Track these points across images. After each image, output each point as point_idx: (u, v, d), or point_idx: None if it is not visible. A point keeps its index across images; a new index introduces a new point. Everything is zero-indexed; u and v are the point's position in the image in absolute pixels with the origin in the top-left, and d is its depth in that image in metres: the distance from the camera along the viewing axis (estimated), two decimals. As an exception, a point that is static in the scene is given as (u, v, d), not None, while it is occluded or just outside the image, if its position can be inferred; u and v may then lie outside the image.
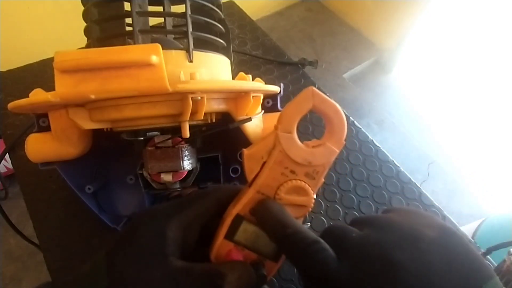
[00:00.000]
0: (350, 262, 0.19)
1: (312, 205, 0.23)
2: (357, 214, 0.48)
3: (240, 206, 0.23)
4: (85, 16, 0.32)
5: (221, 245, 0.23)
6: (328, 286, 0.19)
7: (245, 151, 0.23)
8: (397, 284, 0.18)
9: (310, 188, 0.23)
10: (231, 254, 0.23)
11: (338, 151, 0.23)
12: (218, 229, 0.24)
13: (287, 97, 0.61)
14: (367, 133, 0.57)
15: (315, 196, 0.23)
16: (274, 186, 0.23)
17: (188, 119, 0.29)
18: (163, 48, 0.26)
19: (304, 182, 0.23)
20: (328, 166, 0.23)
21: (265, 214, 0.22)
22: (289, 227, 0.21)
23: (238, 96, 0.33)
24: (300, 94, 0.22)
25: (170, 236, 0.21)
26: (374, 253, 0.19)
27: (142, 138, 0.34)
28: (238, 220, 0.23)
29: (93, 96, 0.25)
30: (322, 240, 0.20)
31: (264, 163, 0.23)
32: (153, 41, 0.29)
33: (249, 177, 0.23)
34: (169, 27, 0.43)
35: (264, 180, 0.23)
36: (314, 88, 0.22)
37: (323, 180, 0.24)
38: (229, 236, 0.23)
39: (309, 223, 0.46)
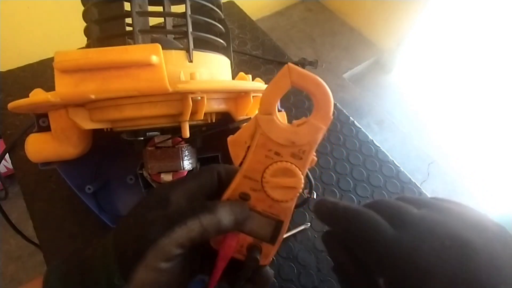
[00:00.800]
0: (412, 233, 0.20)
1: (302, 185, 0.22)
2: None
3: (229, 191, 0.23)
4: (85, 16, 0.32)
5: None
6: (382, 254, 0.20)
7: (229, 137, 0.23)
8: (469, 261, 0.18)
9: (297, 169, 0.22)
10: (226, 238, 0.23)
11: (324, 127, 0.22)
12: None
13: (287, 97, 0.61)
14: (367, 133, 0.57)
15: (304, 176, 0.23)
16: (260, 170, 0.22)
17: (188, 119, 0.29)
18: (163, 48, 0.26)
19: (291, 163, 0.22)
20: (315, 144, 0.22)
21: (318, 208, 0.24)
22: (339, 204, 0.22)
23: (238, 96, 0.33)
24: (278, 73, 0.21)
25: (174, 200, 0.21)
26: (441, 230, 0.19)
27: (142, 138, 0.34)
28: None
29: (93, 96, 0.25)
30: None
31: (249, 147, 0.23)
32: (153, 41, 0.29)
33: (236, 162, 0.23)
34: (169, 27, 0.43)
35: (250, 165, 0.22)
36: (291, 64, 0.21)
37: (314, 158, 0.23)
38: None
39: (309, 223, 0.46)
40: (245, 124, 0.23)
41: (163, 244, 0.19)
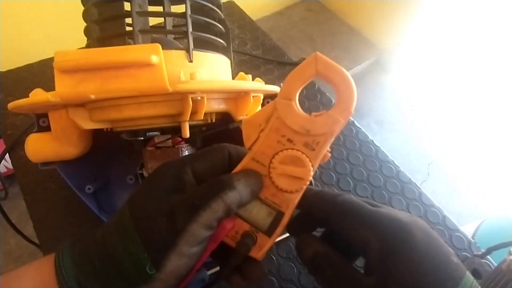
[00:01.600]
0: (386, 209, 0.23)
1: (310, 178, 0.22)
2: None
3: (236, 172, 0.22)
4: (85, 16, 0.32)
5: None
6: (370, 217, 0.22)
7: (244, 118, 0.23)
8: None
9: (307, 159, 0.21)
10: (222, 221, 0.22)
11: (343, 121, 0.21)
12: None
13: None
14: (367, 133, 0.57)
15: (314, 169, 0.22)
16: (270, 154, 0.22)
17: (188, 119, 0.29)
18: (163, 48, 0.26)
19: (302, 152, 0.21)
20: (331, 137, 0.21)
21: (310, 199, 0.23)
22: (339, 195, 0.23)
23: (238, 96, 0.33)
24: (304, 60, 0.21)
25: (187, 179, 0.21)
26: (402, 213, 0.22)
27: (142, 138, 0.34)
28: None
29: (93, 96, 0.25)
30: None
31: (262, 130, 0.22)
32: (153, 41, 0.29)
33: (247, 144, 0.23)
34: (169, 27, 0.43)
35: (260, 147, 0.22)
36: (319, 53, 0.21)
37: (327, 153, 0.22)
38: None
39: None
40: (262, 108, 0.23)
41: (192, 230, 0.19)
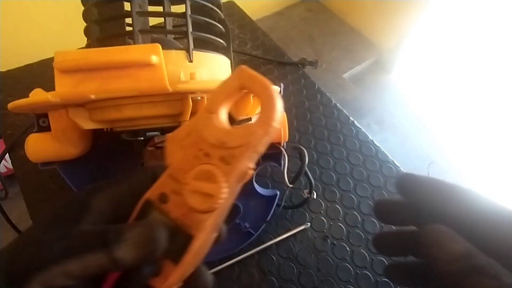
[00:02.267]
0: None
1: (222, 195, 0.19)
2: (357, 214, 0.47)
3: (151, 190, 0.20)
4: (85, 16, 0.32)
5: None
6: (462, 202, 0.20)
7: (168, 134, 0.21)
8: None
9: (220, 174, 0.19)
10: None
11: (261, 133, 0.19)
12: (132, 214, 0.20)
13: (287, 97, 0.61)
14: (367, 133, 0.57)
15: (230, 186, 0.19)
16: (186, 170, 0.19)
17: (188, 119, 0.29)
18: (163, 48, 0.26)
19: (217, 167, 0.19)
20: (248, 150, 0.19)
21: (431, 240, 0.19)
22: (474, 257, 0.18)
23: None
24: (230, 74, 0.20)
25: (93, 204, 0.18)
26: None
27: (142, 138, 0.34)
28: (147, 205, 0.20)
29: (93, 96, 0.25)
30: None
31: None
32: (153, 41, 0.29)
33: (167, 161, 0.20)
34: (169, 27, 0.43)
35: (177, 163, 0.20)
36: (244, 66, 0.20)
37: (249, 170, 0.20)
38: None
39: (309, 223, 0.46)
40: (185, 122, 0.21)
41: (51, 273, 0.16)
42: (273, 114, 0.19)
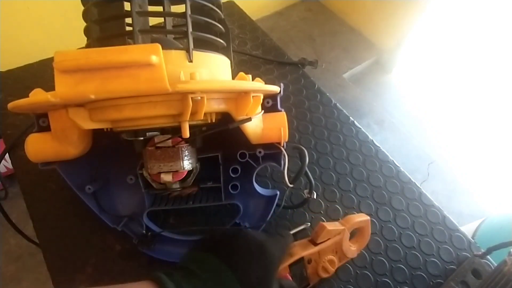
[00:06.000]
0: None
1: (333, 273, 0.41)
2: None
3: (307, 253, 0.39)
4: (85, 16, 0.32)
5: (282, 269, 0.37)
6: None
7: (326, 225, 0.39)
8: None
9: (337, 262, 0.41)
10: (284, 273, 0.37)
11: (356, 251, 0.43)
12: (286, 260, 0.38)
13: (287, 97, 0.61)
14: (367, 133, 0.57)
15: (337, 265, 0.41)
16: (325, 254, 0.40)
17: (188, 119, 0.29)
18: (163, 48, 0.26)
19: (337, 257, 0.41)
20: (348, 259, 0.43)
21: None
22: None
23: (238, 96, 0.33)
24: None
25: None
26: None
27: (142, 138, 0.34)
28: (300, 259, 0.39)
29: (93, 96, 0.25)
30: None
31: (329, 239, 0.40)
32: (153, 41, 0.29)
33: (316, 239, 0.40)
34: (169, 27, 0.43)
35: (325, 248, 0.40)
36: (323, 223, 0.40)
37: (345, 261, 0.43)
38: (291, 265, 0.38)
39: (309, 223, 0.46)
40: (337, 226, 0.41)
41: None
42: (365, 243, 0.44)
